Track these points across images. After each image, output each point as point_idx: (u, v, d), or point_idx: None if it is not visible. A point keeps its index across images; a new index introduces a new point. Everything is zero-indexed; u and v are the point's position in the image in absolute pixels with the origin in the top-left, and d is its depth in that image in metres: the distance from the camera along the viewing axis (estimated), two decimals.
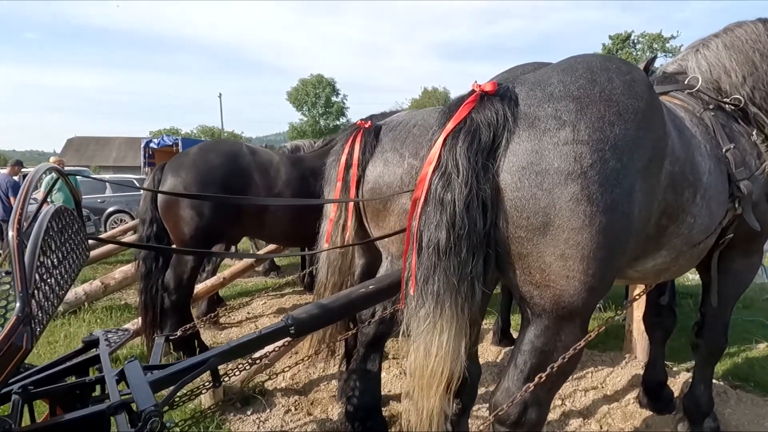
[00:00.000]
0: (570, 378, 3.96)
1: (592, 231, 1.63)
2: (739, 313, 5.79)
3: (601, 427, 3.38)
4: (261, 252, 7.24)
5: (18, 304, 1.39)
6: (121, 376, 1.84)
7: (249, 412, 3.45)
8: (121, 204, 13.89)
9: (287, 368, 2.93)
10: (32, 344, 1.41)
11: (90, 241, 2.26)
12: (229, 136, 46.17)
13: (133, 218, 12.13)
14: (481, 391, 3.59)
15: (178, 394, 1.94)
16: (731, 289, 2.89)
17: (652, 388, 3.55)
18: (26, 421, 1.85)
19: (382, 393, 3.49)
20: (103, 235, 10.04)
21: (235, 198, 4.18)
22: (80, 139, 47.78)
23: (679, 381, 3.96)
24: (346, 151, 2.98)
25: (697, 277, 3.91)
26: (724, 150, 2.41)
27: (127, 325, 4.35)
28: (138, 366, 1.87)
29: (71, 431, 1.65)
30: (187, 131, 50.54)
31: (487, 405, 2.00)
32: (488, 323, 5.21)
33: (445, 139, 1.72)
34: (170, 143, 12.04)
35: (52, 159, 11.19)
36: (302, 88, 50.25)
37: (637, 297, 2.90)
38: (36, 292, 1.50)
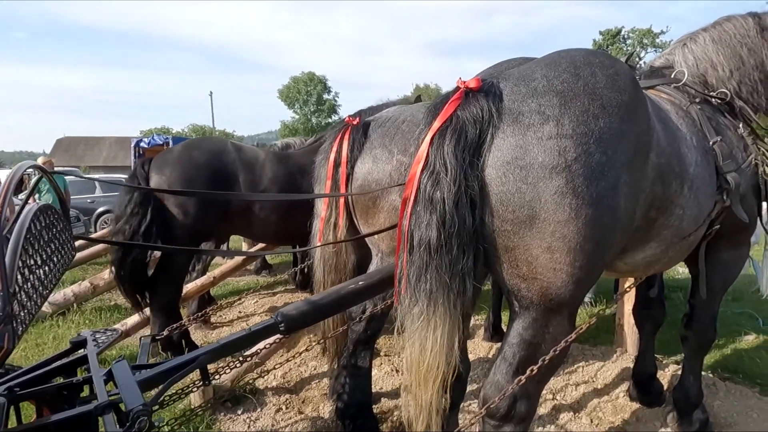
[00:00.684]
0: (561, 372, 4.00)
1: (578, 223, 1.64)
2: (728, 305, 5.85)
3: (591, 421, 3.39)
4: (252, 250, 7.21)
5: None
6: (110, 376, 1.82)
7: (239, 411, 3.43)
8: (111, 204, 13.70)
9: (278, 365, 2.93)
10: (14, 344, 1.39)
11: (79, 242, 2.24)
12: (220, 135, 45.83)
13: None
14: (473, 387, 3.60)
15: (167, 393, 1.93)
16: (719, 280, 2.91)
17: (642, 381, 3.58)
18: (12, 423, 1.82)
19: (374, 390, 3.48)
20: (93, 235, 9.94)
21: (222, 194, 4.15)
22: (70, 139, 47.13)
23: (668, 374, 3.99)
24: (335, 149, 2.97)
25: (686, 270, 3.94)
26: (711, 143, 2.43)
27: (116, 326, 4.31)
28: (126, 365, 1.85)
29: None
30: (178, 130, 50.14)
31: (477, 400, 2.01)
32: (479, 319, 5.23)
33: (432, 138, 1.73)
34: (161, 142, 12.00)
35: (40, 159, 10.91)
36: (294, 85, 49.93)
37: (627, 290, 2.91)
38: (18, 291, 1.48)
